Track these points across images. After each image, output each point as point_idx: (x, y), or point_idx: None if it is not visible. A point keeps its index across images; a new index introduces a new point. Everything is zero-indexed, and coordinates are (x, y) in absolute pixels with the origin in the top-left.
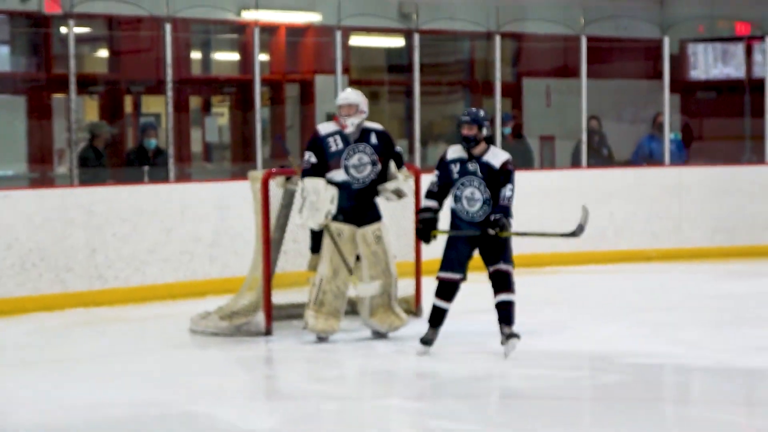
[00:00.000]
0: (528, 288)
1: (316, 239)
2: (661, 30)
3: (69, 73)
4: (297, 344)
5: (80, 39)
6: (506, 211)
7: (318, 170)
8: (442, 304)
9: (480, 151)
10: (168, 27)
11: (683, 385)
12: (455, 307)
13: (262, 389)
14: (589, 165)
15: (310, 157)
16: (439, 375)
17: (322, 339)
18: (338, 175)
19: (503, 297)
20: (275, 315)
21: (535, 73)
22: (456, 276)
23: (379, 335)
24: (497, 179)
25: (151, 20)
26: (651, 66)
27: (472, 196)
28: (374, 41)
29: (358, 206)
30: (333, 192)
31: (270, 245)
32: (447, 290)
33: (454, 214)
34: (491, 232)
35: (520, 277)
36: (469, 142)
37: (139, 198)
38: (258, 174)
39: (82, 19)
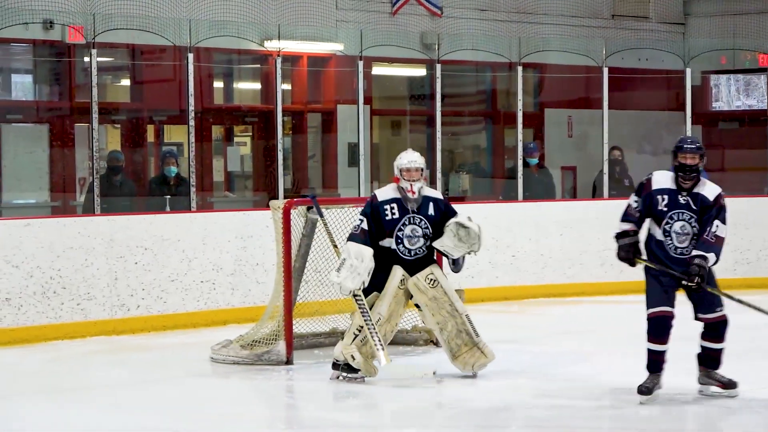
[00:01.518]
0: (551, 318)
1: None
2: (683, 61)
3: (91, 102)
4: (318, 373)
5: (103, 68)
6: (713, 250)
7: (368, 237)
8: (656, 347)
9: (693, 182)
10: (190, 56)
11: (706, 417)
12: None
13: (283, 419)
14: (611, 196)
15: (362, 223)
16: (460, 405)
17: (351, 378)
18: (389, 243)
19: (713, 345)
20: (296, 344)
21: (557, 103)
22: (668, 309)
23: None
24: (707, 213)
25: (174, 50)
26: (673, 97)
27: (682, 231)
28: (396, 71)
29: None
30: (372, 265)
31: (291, 274)
32: (659, 327)
33: (658, 246)
34: (691, 284)
35: (544, 307)
36: (690, 173)
37: (160, 227)
38: (280, 203)
39: (105, 48)
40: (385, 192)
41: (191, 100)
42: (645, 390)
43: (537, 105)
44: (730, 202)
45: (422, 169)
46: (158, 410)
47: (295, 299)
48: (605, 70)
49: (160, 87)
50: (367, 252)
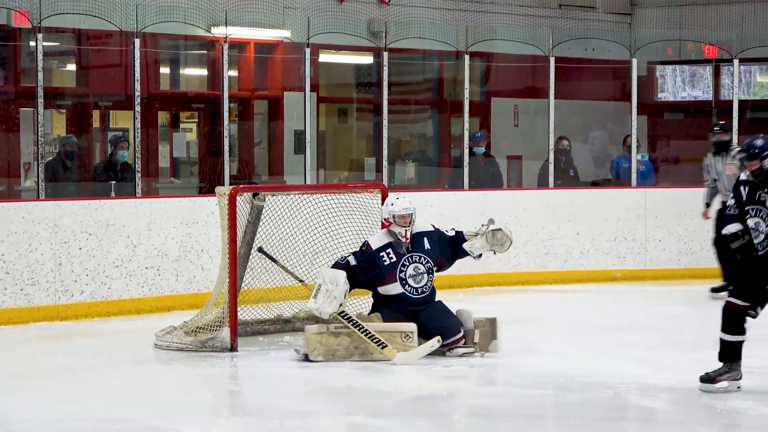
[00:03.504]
0: (494, 306)
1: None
2: (629, 52)
3: (36, 87)
4: (262, 360)
5: (48, 53)
6: None
7: (350, 271)
8: (728, 337)
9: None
10: (137, 42)
11: (647, 405)
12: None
13: (227, 405)
14: (556, 185)
15: (349, 257)
16: (404, 393)
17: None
18: (395, 288)
19: None
20: (240, 331)
21: (504, 92)
22: (743, 303)
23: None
24: None
25: (120, 35)
26: (619, 87)
27: (757, 228)
28: (343, 59)
29: (422, 314)
30: (347, 288)
31: (236, 261)
32: (732, 318)
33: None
34: None
35: (487, 296)
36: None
37: (105, 212)
38: (225, 190)
39: (51, 33)
40: (378, 239)
41: (137, 86)
42: (704, 378)
43: (484, 94)
44: (674, 193)
45: (413, 213)
46: (102, 397)
47: (239, 286)
48: (552, 60)
49: (107, 72)
50: (341, 276)
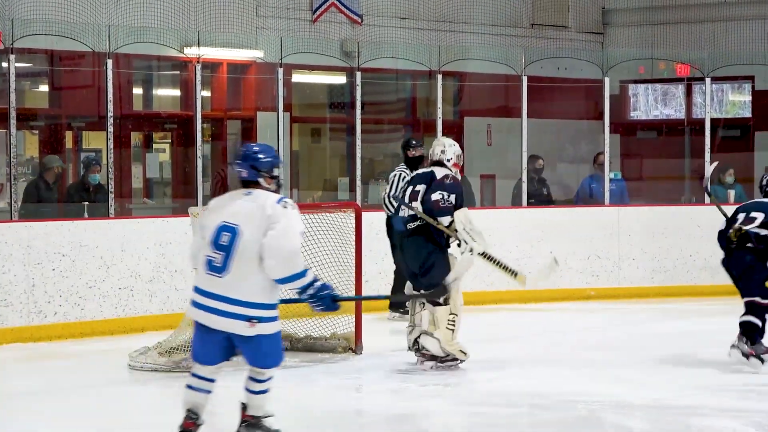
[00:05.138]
0: (470, 325)
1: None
2: (602, 71)
3: (9, 108)
4: (235, 381)
5: (21, 74)
6: None
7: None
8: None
9: None
10: (110, 63)
11: (622, 424)
12: (390, 345)
13: (202, 426)
14: (529, 204)
15: (451, 198)
16: (379, 412)
17: (447, 366)
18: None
19: None
20: None
21: (477, 112)
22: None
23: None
24: None
25: (93, 55)
26: (592, 106)
27: None
28: (316, 78)
29: None
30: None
31: None
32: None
33: None
34: None
35: (462, 315)
36: None
37: (78, 233)
38: (198, 210)
39: (23, 54)
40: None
41: (110, 107)
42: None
43: (457, 113)
44: (647, 211)
45: None
46: (75, 418)
47: None
48: (524, 79)
49: (79, 93)
50: (467, 212)
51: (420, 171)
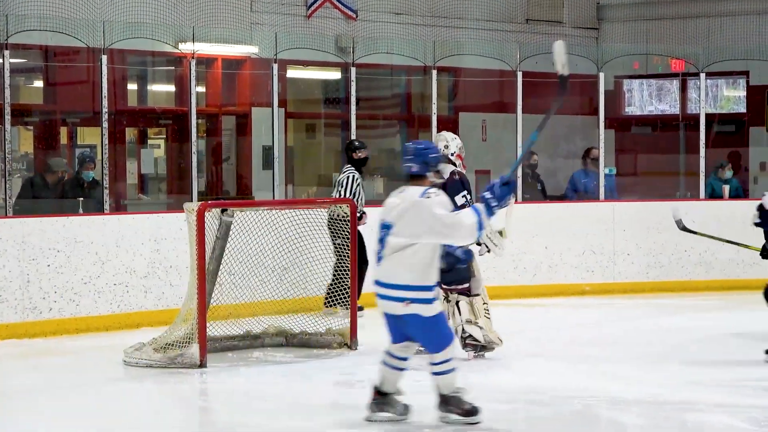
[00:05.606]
0: None
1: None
2: (596, 66)
3: (3, 104)
4: (231, 377)
5: (16, 69)
6: None
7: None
8: None
9: None
10: (104, 58)
11: (617, 419)
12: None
13: (196, 422)
14: (524, 200)
15: (468, 196)
16: None
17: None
18: None
19: None
20: (210, 347)
21: (472, 107)
22: None
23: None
24: None
25: (88, 51)
26: (586, 102)
27: None
28: (311, 74)
29: None
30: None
31: (205, 277)
32: None
33: None
34: None
35: None
36: None
37: (73, 229)
38: (194, 206)
39: (18, 49)
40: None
41: (105, 102)
42: None
43: (451, 109)
44: (642, 207)
45: None
46: (71, 415)
47: (208, 302)
48: (519, 75)
49: (74, 89)
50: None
51: None
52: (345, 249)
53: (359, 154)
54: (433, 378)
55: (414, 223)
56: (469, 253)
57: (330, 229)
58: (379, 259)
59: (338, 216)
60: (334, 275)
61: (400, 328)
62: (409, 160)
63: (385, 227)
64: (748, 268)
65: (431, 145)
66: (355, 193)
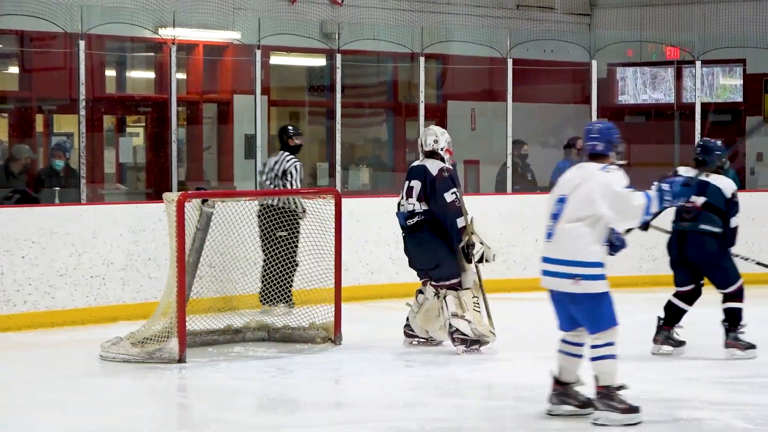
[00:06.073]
0: None
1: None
2: (589, 53)
3: None
4: (211, 372)
5: None
6: None
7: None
8: None
9: None
10: (82, 44)
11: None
12: (371, 335)
13: (175, 419)
14: (514, 191)
15: (458, 192)
16: (359, 404)
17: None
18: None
19: None
20: (189, 342)
21: (460, 95)
22: None
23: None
24: None
25: (65, 36)
26: (579, 90)
27: None
28: (295, 61)
29: None
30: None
31: (185, 269)
32: None
33: None
34: None
35: None
36: None
37: (49, 219)
38: (173, 196)
39: None
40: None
41: (82, 89)
42: None
43: (440, 97)
44: None
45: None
46: (45, 411)
47: (188, 295)
48: (510, 62)
49: (50, 75)
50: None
51: (415, 164)
52: (289, 242)
53: (296, 141)
54: (591, 365)
55: (591, 196)
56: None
57: (262, 219)
58: (549, 234)
59: (285, 208)
60: (272, 270)
61: (567, 310)
62: (594, 139)
63: (561, 201)
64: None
65: (613, 126)
66: (301, 184)
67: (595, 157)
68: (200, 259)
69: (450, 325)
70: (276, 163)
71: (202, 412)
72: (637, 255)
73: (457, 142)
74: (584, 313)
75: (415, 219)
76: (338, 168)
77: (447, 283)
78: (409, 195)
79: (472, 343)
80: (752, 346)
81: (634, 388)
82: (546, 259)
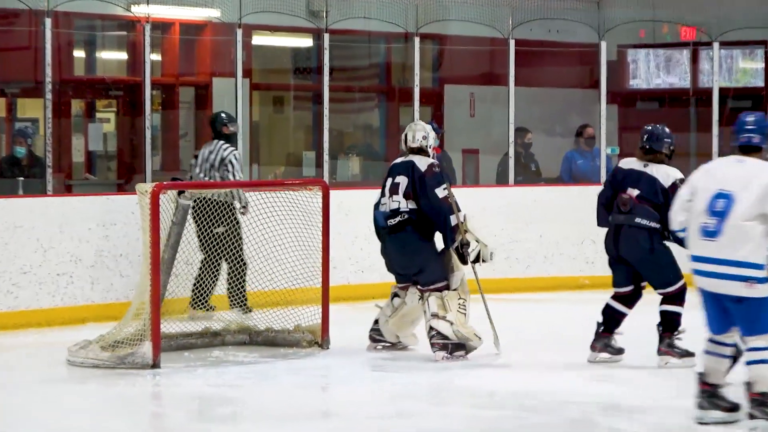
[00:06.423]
0: None
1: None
2: (598, 34)
3: None
4: (188, 378)
5: None
6: None
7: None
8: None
9: None
10: (48, 22)
11: (617, 428)
12: (360, 339)
13: (147, 429)
14: (517, 182)
15: (439, 191)
16: (347, 414)
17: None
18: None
19: None
20: (164, 345)
21: (458, 79)
22: None
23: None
24: None
25: (30, 14)
26: (587, 73)
27: None
28: (279, 41)
29: None
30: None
31: (159, 267)
32: None
33: None
34: None
35: None
36: None
37: (12, 212)
38: (147, 187)
39: None
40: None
41: (48, 71)
42: None
43: (436, 80)
44: None
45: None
46: (6, 420)
47: (163, 295)
48: (512, 43)
49: (14, 56)
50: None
51: (398, 161)
52: (229, 239)
53: (231, 129)
54: (748, 369)
55: (759, 200)
56: None
57: (197, 215)
58: (714, 233)
59: (221, 201)
60: (208, 271)
61: (723, 311)
62: (751, 131)
63: (722, 197)
64: None
65: (764, 117)
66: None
67: (750, 150)
68: (176, 256)
69: (430, 327)
70: (211, 153)
71: (177, 422)
72: None
73: (455, 129)
74: (747, 315)
75: (398, 219)
76: (326, 157)
77: (434, 287)
78: (394, 192)
79: (455, 348)
80: (689, 354)
81: (644, 397)
82: (706, 259)
